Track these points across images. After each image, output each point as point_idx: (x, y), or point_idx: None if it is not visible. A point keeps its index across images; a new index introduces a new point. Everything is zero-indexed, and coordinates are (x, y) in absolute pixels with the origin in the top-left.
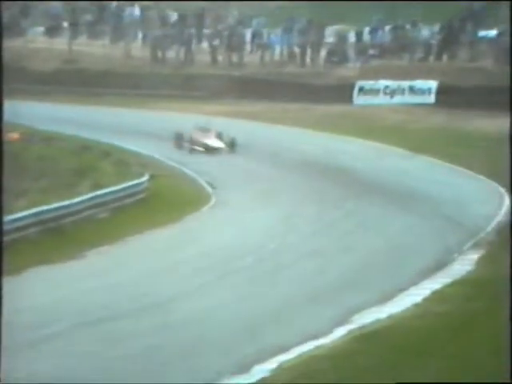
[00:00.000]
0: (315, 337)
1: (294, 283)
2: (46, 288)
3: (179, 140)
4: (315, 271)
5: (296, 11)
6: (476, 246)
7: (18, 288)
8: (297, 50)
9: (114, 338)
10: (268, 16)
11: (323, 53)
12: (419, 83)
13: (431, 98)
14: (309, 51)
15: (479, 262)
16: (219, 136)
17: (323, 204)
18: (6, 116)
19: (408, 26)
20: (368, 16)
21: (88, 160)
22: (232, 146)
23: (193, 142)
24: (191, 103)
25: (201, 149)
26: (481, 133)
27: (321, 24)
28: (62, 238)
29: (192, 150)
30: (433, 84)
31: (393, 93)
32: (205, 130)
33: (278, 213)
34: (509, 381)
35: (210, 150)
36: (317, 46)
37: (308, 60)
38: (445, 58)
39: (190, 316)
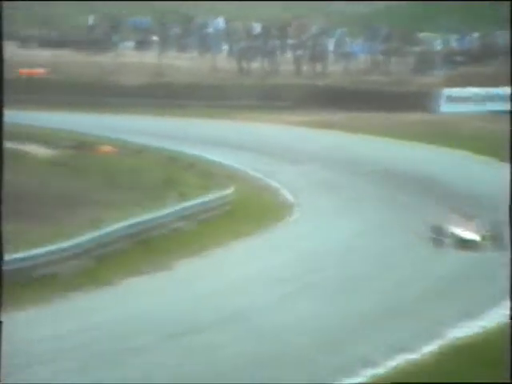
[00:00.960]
0: (404, 350)
1: (379, 295)
2: (135, 299)
3: (438, 235)
4: (403, 283)
5: (378, 19)
6: None
7: (110, 299)
8: (380, 58)
9: (198, 351)
10: (350, 25)
11: (408, 60)
12: (508, 90)
13: None
14: (393, 59)
15: None
16: (489, 226)
17: (409, 215)
18: (100, 130)
19: (496, 33)
20: (453, 23)
21: (175, 172)
22: (494, 239)
23: (444, 232)
24: (275, 113)
25: (451, 241)
26: None
27: (405, 32)
28: (151, 249)
29: (439, 243)
30: None
31: (481, 100)
32: (468, 217)
33: (360, 223)
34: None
35: (461, 243)
36: (401, 54)
37: (392, 68)
38: None
39: (273, 327)
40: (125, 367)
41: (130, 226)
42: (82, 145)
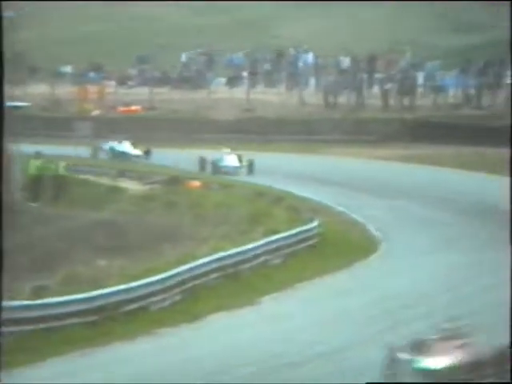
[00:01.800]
0: None
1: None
2: (222, 335)
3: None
4: (501, 323)
5: (471, 52)
6: None
7: (199, 334)
8: (472, 91)
9: None
10: (442, 58)
11: (502, 94)
12: None
13: None
14: (486, 93)
15: None
16: None
17: (502, 253)
18: (191, 165)
19: None
20: None
21: (261, 206)
22: None
23: None
24: (362, 148)
25: None
26: None
27: (500, 64)
28: (238, 283)
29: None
30: None
31: None
32: None
33: (450, 262)
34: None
35: None
36: (495, 88)
37: (485, 102)
38: None
39: (364, 365)
40: None
41: (218, 260)
42: (173, 180)
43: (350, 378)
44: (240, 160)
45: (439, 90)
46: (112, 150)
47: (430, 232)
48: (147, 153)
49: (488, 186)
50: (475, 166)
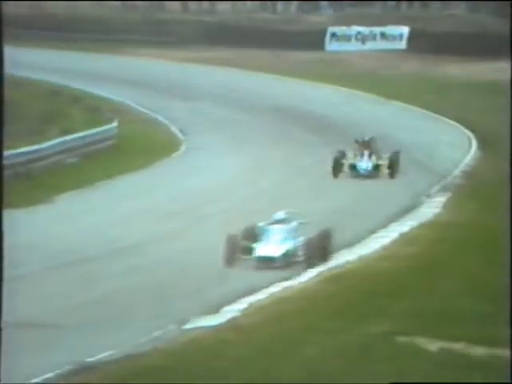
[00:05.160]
0: (286, 278)
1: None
2: (14, 231)
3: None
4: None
5: None
6: (443, 189)
7: None
8: None
9: (83, 281)
10: None
11: (295, 1)
12: (390, 29)
13: (402, 44)
14: None
15: (446, 205)
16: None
17: (294, 151)
18: None
19: None
20: None
21: (57, 105)
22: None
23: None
24: (163, 49)
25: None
26: (451, 78)
27: None
28: (31, 182)
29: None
30: (404, 30)
31: (364, 39)
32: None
33: (249, 159)
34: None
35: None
36: None
37: (279, 7)
38: (416, 5)
39: (160, 259)
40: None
41: (7, 158)
42: None
43: (145, 271)
44: None
45: None
46: None
47: (228, 132)
48: None
49: (282, 87)
50: (271, 68)
